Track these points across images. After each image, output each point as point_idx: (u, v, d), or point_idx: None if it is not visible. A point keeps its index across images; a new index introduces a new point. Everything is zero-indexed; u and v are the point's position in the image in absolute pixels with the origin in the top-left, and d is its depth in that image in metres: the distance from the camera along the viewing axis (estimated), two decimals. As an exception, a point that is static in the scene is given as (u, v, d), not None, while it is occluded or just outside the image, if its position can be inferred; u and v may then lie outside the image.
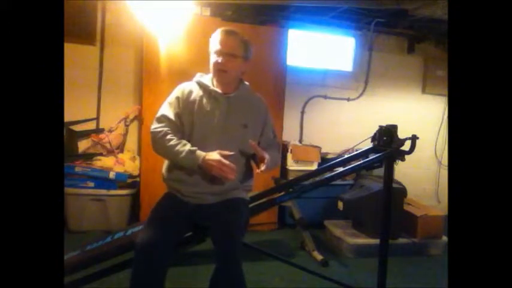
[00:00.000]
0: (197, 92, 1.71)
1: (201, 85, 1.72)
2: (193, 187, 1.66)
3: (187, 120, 1.68)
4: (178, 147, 1.61)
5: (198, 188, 1.66)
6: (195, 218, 1.68)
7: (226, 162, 1.57)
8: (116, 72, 3.49)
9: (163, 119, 1.68)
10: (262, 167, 1.62)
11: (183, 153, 1.59)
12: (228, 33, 1.65)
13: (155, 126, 1.68)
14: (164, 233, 1.56)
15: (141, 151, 3.40)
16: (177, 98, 1.70)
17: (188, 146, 1.62)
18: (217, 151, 1.60)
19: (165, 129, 1.65)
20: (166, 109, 1.70)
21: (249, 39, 1.71)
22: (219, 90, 1.69)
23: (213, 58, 1.65)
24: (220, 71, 1.65)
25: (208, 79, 1.74)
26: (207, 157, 1.58)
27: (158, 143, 1.65)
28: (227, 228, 1.55)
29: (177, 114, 1.68)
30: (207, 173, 1.61)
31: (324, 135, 4.07)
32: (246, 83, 1.80)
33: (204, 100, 1.69)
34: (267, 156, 1.65)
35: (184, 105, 1.69)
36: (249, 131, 1.70)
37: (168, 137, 1.63)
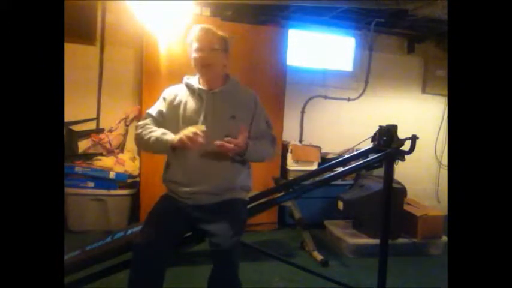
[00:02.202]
0: (184, 94, 1.73)
1: (188, 86, 1.74)
2: (189, 187, 1.66)
3: (174, 122, 1.69)
4: (152, 134, 1.64)
5: (194, 188, 1.65)
6: (193, 219, 1.67)
7: (200, 132, 1.51)
8: (116, 72, 3.49)
9: (146, 115, 1.75)
10: (224, 145, 1.55)
11: (153, 138, 1.62)
12: (203, 30, 1.66)
13: (139, 122, 1.75)
14: (161, 234, 1.57)
15: (141, 151, 3.40)
16: (164, 99, 1.75)
17: (160, 131, 1.64)
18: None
19: (145, 122, 1.71)
20: (152, 108, 1.76)
21: (224, 33, 1.72)
22: (204, 87, 1.71)
23: (195, 55, 1.66)
24: (204, 66, 1.66)
25: (195, 79, 1.75)
26: (176, 140, 1.55)
27: (138, 135, 1.70)
28: (224, 229, 1.55)
29: (160, 112, 1.72)
30: (182, 149, 1.57)
31: (324, 135, 4.07)
32: (235, 77, 1.79)
33: (190, 100, 1.70)
34: (239, 141, 1.58)
35: (171, 107, 1.71)
36: (238, 122, 1.68)
37: (147, 127, 1.68)
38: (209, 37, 1.65)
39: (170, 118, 1.70)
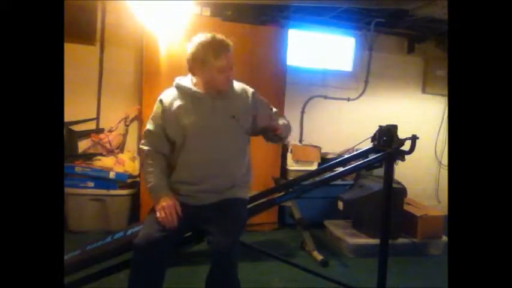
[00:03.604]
0: (180, 98, 1.69)
1: (182, 89, 1.70)
2: (190, 187, 1.67)
3: (176, 130, 1.67)
4: (148, 176, 1.68)
5: (196, 187, 1.66)
6: (193, 219, 1.67)
7: (172, 212, 1.59)
8: (116, 72, 3.49)
9: (147, 133, 1.73)
10: (279, 132, 1.73)
11: (148, 185, 1.67)
12: (230, 48, 1.63)
13: (142, 142, 1.75)
14: (162, 233, 1.57)
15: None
16: (161, 110, 1.70)
17: (155, 179, 1.66)
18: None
19: (147, 148, 1.70)
20: (150, 123, 1.73)
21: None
22: (199, 90, 1.68)
23: (221, 73, 1.62)
24: (226, 83, 1.68)
25: (187, 81, 1.72)
26: (159, 204, 1.61)
27: (142, 164, 1.76)
28: (223, 228, 1.55)
29: (159, 126, 1.69)
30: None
31: (324, 135, 4.07)
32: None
33: (188, 104, 1.68)
34: (277, 123, 1.75)
35: (169, 115, 1.67)
36: (239, 121, 1.69)
37: (148, 160, 1.70)
38: (232, 55, 1.64)
39: (169, 124, 1.68)
